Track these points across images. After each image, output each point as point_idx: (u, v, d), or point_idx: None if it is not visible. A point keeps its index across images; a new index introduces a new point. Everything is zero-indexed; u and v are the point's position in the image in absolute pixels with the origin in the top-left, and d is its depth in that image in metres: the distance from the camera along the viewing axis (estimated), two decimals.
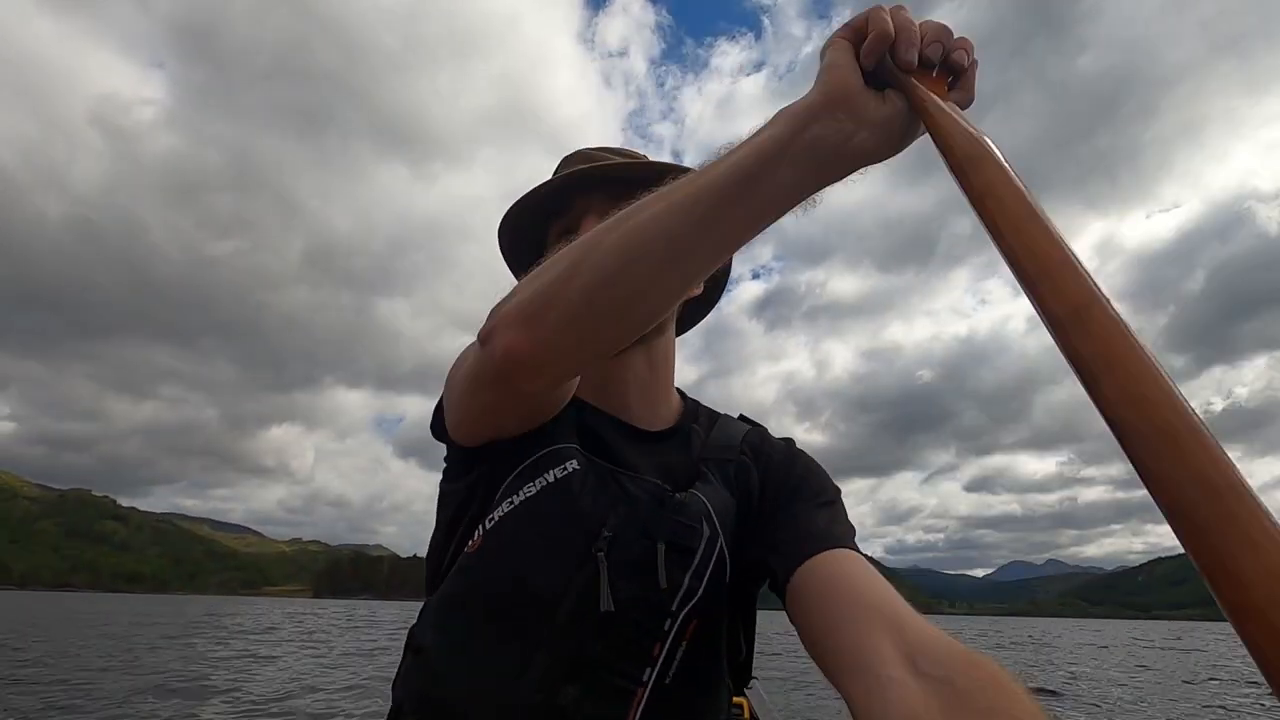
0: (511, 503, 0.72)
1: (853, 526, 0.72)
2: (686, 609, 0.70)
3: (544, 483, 0.72)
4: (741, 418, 0.90)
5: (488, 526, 0.72)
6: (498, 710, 0.66)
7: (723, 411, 0.90)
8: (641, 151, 0.89)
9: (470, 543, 0.73)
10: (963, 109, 0.55)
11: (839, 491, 0.78)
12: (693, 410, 0.88)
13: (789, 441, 0.86)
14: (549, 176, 0.86)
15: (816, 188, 0.58)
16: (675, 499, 0.73)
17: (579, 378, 0.76)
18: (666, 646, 0.69)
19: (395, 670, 0.77)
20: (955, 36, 0.57)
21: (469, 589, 0.71)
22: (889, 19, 0.55)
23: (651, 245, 0.57)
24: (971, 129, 0.51)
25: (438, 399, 0.80)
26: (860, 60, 0.56)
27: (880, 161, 0.59)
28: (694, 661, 0.70)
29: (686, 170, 0.77)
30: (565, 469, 0.73)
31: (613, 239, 0.58)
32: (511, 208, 0.85)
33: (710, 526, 0.73)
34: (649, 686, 0.68)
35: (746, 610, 0.80)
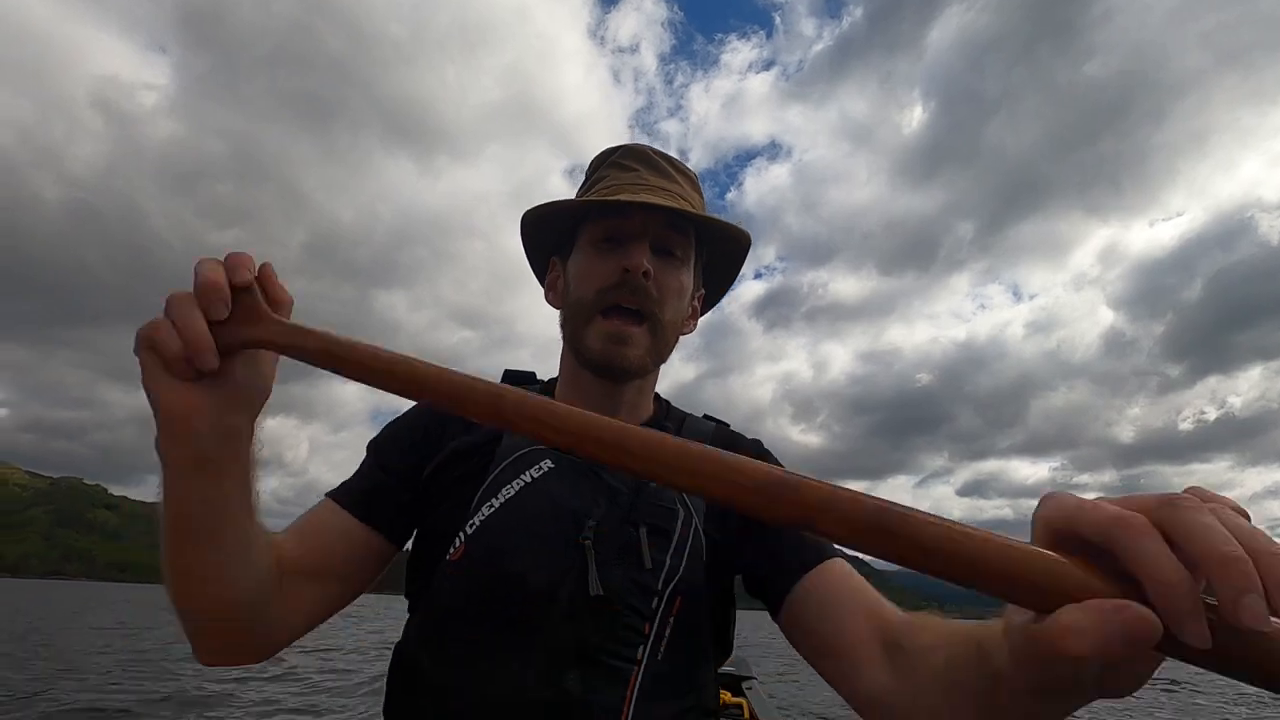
0: (491, 506, 0.74)
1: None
2: (671, 587, 0.74)
3: (521, 484, 0.75)
4: (706, 417, 0.93)
5: (469, 533, 0.73)
6: (507, 710, 0.68)
7: (716, 414, 0.96)
8: None
9: (452, 552, 0.74)
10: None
11: None
12: (664, 410, 0.91)
13: (757, 442, 0.90)
14: (551, 170, 0.99)
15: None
16: (651, 486, 0.77)
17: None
18: (656, 624, 0.73)
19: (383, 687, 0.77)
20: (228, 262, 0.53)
21: (460, 597, 0.73)
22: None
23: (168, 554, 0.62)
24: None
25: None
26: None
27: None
28: (682, 637, 0.74)
29: (738, 231, 0.84)
30: (540, 468, 0.76)
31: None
32: (558, 203, 0.84)
33: (685, 509, 0.78)
34: (643, 664, 0.71)
35: (725, 590, 0.84)
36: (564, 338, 0.85)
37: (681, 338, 0.90)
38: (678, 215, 0.80)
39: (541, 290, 0.92)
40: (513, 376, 0.92)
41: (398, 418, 0.87)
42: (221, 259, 0.53)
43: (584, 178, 0.90)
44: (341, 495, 0.79)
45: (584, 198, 0.84)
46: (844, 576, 0.73)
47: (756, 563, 0.79)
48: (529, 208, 0.86)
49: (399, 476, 0.81)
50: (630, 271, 0.77)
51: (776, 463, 0.81)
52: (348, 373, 0.50)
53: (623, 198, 0.79)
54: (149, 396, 0.53)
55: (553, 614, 0.70)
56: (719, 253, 0.90)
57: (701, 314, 0.94)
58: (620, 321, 0.78)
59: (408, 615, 0.80)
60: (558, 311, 0.87)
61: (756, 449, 0.88)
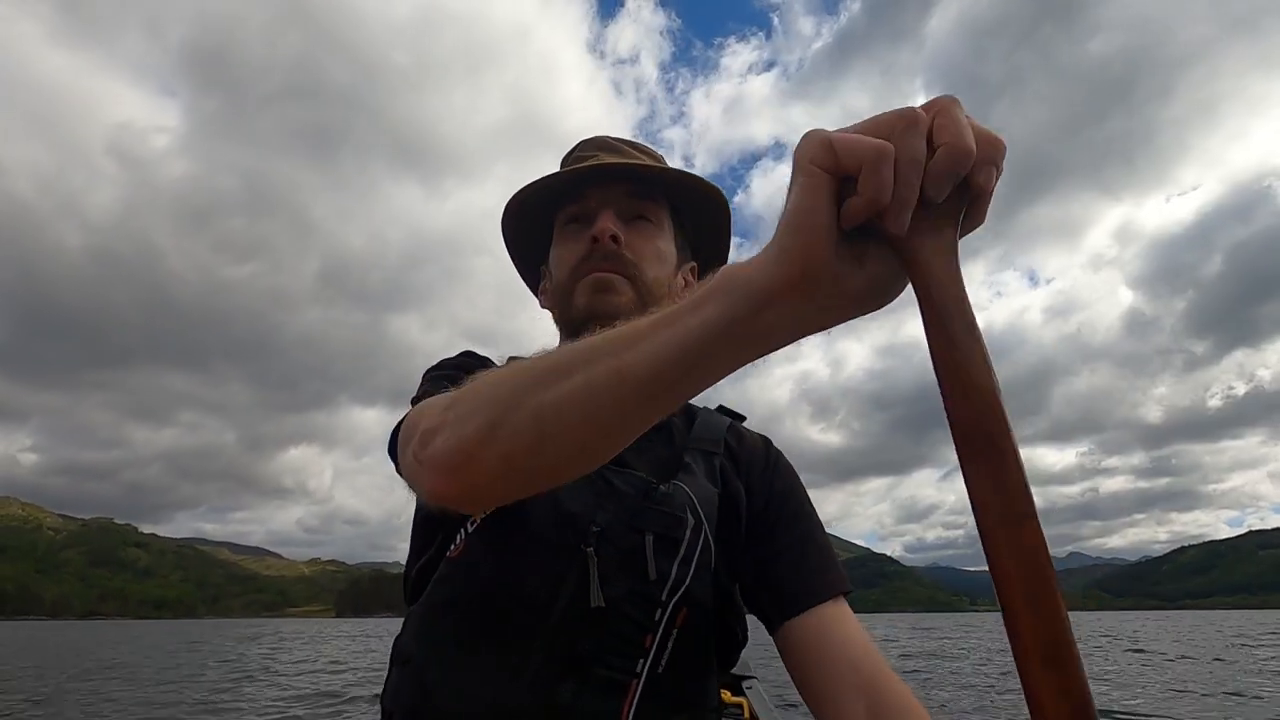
0: None
1: (836, 558, 0.79)
2: (676, 598, 0.71)
3: None
4: (720, 409, 0.91)
5: (470, 530, 0.72)
6: (494, 715, 0.66)
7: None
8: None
9: (453, 548, 0.73)
10: (964, 234, 0.41)
11: (811, 502, 0.83)
12: None
13: (766, 441, 0.88)
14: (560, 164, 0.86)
15: (765, 354, 0.46)
16: (660, 491, 0.74)
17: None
18: (658, 637, 0.70)
19: (383, 683, 0.76)
20: (981, 149, 0.38)
21: (456, 595, 0.71)
22: (887, 173, 0.37)
23: (571, 423, 0.48)
24: (963, 295, 0.39)
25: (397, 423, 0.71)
26: (841, 220, 0.39)
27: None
28: (685, 650, 0.72)
29: (708, 186, 0.83)
30: None
31: (532, 405, 0.49)
32: (520, 192, 0.83)
33: (695, 516, 0.74)
34: (643, 677, 0.69)
35: (733, 598, 0.81)
36: (558, 325, 0.84)
37: None
38: (635, 180, 0.81)
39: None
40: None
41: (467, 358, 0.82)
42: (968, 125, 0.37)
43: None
44: None
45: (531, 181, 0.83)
46: (843, 622, 0.73)
47: (761, 579, 0.78)
48: (501, 220, 0.87)
49: None
50: (598, 239, 0.77)
51: (787, 472, 0.85)
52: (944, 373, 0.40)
53: (571, 168, 0.80)
54: (793, 216, 0.39)
55: (549, 621, 0.69)
56: (704, 224, 0.89)
57: None
58: (601, 272, 0.77)
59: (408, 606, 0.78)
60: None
61: (765, 445, 0.88)
